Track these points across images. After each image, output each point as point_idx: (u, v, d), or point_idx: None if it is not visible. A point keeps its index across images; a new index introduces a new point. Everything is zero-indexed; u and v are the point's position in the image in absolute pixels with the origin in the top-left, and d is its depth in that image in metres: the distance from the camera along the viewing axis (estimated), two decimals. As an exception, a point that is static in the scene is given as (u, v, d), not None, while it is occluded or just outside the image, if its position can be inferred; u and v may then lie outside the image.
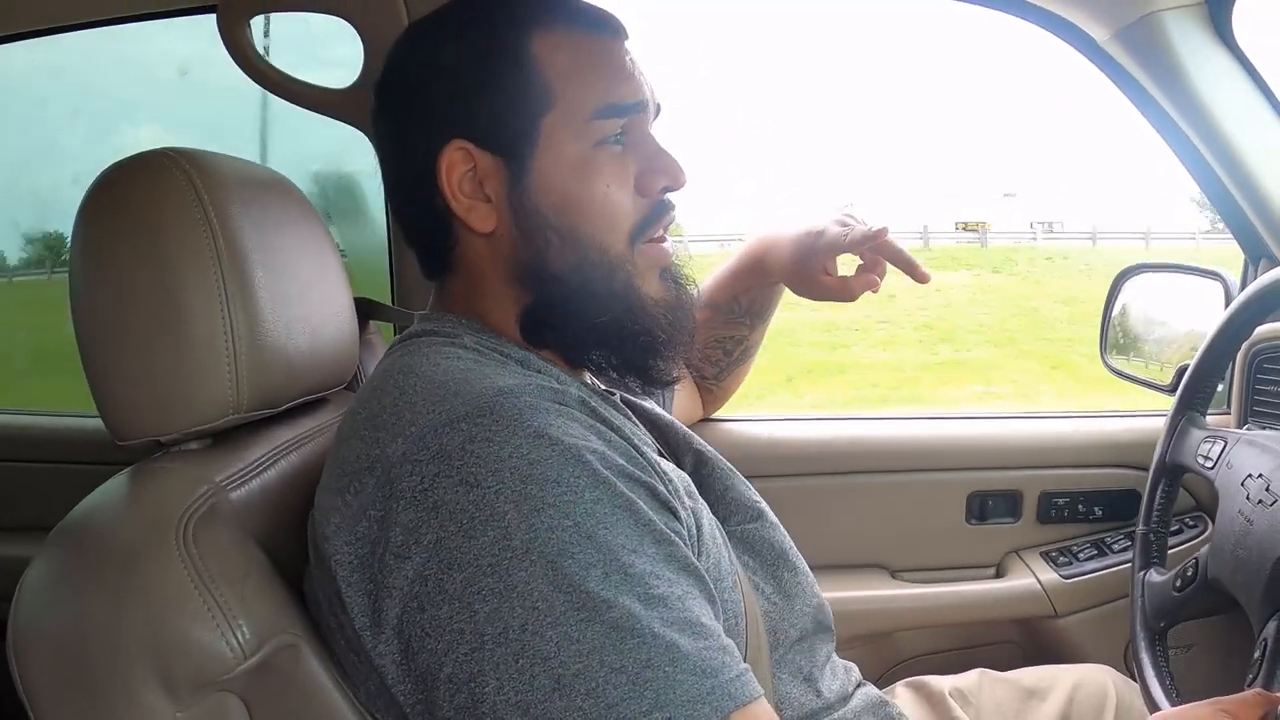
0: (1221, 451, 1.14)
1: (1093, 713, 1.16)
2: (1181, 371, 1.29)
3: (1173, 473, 1.23)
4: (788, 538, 1.00)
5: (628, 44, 0.88)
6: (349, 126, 1.39)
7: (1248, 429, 1.43)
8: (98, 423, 0.79)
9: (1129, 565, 1.27)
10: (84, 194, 0.79)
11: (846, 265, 1.23)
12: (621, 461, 0.72)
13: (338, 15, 1.33)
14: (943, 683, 1.20)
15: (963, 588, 1.54)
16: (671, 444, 1.03)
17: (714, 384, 1.42)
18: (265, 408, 0.84)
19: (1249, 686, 0.93)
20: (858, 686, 1.01)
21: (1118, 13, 1.34)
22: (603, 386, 0.96)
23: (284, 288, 0.85)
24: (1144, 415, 1.62)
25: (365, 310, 1.19)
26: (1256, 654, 0.95)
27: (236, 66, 1.35)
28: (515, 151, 0.82)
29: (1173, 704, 1.10)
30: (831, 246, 1.20)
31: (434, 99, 0.84)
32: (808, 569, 1.00)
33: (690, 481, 0.90)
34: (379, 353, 1.21)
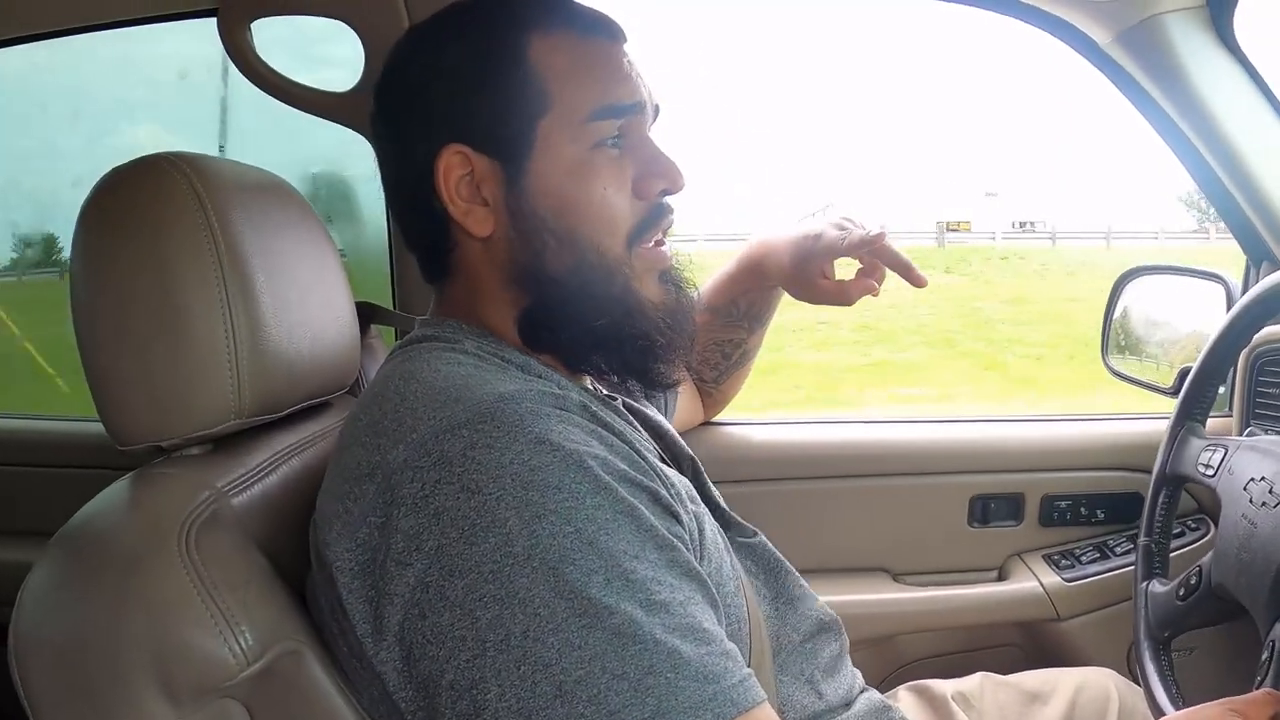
0: (1222, 459, 1.14)
1: (1095, 716, 1.16)
2: (1183, 374, 1.29)
3: (1173, 483, 1.23)
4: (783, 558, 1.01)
5: (626, 47, 0.88)
6: (341, 129, 1.39)
7: (1249, 433, 1.43)
8: (99, 427, 0.79)
9: (1131, 568, 1.27)
10: (84, 198, 0.79)
11: (847, 270, 1.23)
12: (623, 466, 0.72)
13: (339, 19, 1.33)
14: (945, 686, 1.19)
15: (965, 591, 1.54)
16: (673, 450, 1.03)
17: (713, 387, 1.42)
18: (267, 413, 0.84)
19: (1258, 687, 0.92)
20: (861, 691, 1.01)
21: (1119, 15, 1.34)
22: (604, 391, 0.96)
23: (285, 292, 0.85)
24: (1146, 418, 1.62)
25: (366, 314, 1.18)
26: (1265, 655, 0.95)
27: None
28: (512, 154, 0.82)
29: (1178, 710, 1.09)
30: (829, 250, 1.20)
31: (432, 102, 0.84)
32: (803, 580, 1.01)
33: (692, 487, 0.90)
34: (380, 357, 1.21)
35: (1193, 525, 1.53)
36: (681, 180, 0.87)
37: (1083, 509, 1.57)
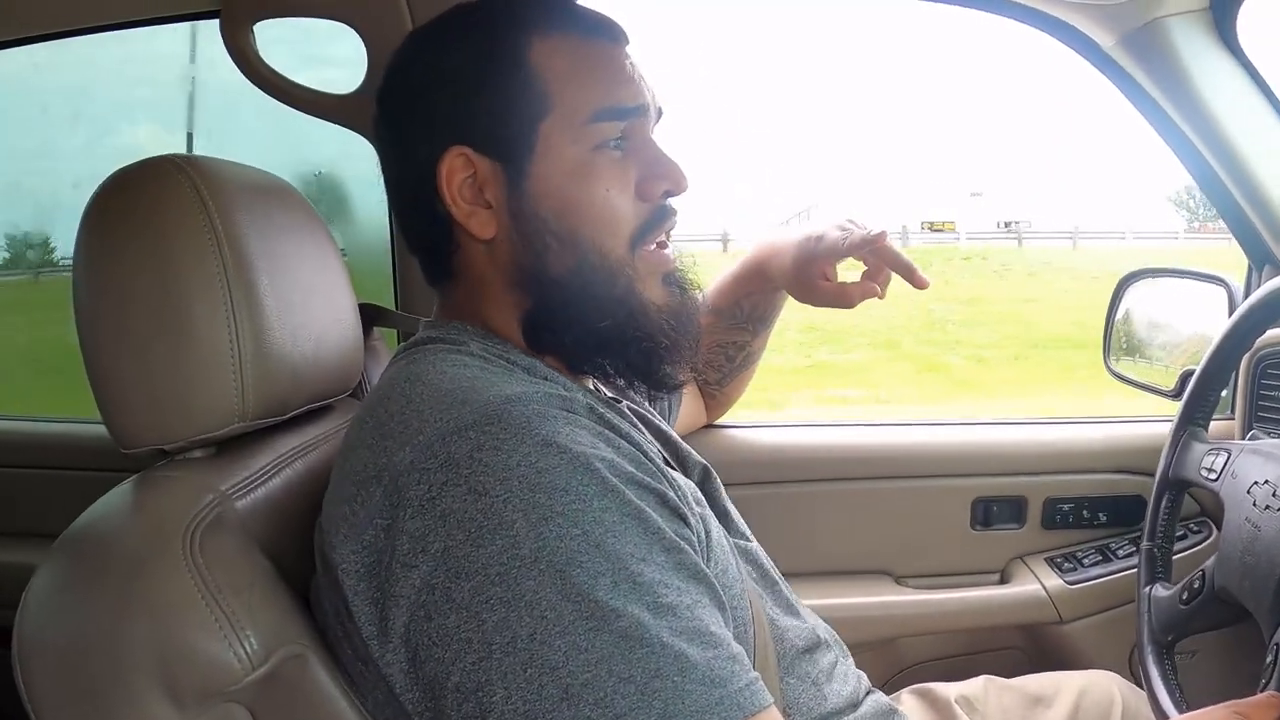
0: (1225, 463, 1.14)
1: (1099, 719, 1.16)
2: (1185, 377, 1.29)
3: (1176, 487, 1.23)
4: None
5: (628, 49, 0.88)
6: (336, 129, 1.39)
7: (1251, 436, 1.43)
8: (101, 429, 0.79)
9: (1134, 571, 1.27)
10: (87, 200, 0.79)
11: (851, 273, 1.22)
12: (630, 469, 0.72)
13: (342, 21, 1.32)
14: (948, 689, 1.19)
15: (968, 594, 1.53)
16: (679, 454, 1.03)
17: (716, 389, 1.42)
18: (270, 415, 0.84)
19: (1262, 690, 0.92)
20: (867, 694, 1.01)
21: (1122, 19, 1.34)
22: (608, 394, 0.95)
23: (288, 294, 0.84)
24: (1148, 421, 1.62)
25: (370, 316, 1.18)
26: (1269, 658, 0.95)
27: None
28: (514, 156, 0.82)
29: (1181, 714, 1.09)
30: (830, 251, 1.20)
31: (434, 104, 0.84)
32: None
33: (698, 490, 0.90)
34: (383, 359, 1.21)
35: (1195, 529, 1.53)
36: (685, 181, 0.87)
37: (1085, 512, 1.57)
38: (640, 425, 0.94)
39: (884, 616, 1.51)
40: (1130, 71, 1.41)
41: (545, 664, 0.63)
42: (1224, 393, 1.31)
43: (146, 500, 0.76)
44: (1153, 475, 1.26)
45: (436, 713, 0.67)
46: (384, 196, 0.92)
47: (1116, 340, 1.63)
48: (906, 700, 1.19)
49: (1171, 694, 1.13)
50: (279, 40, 1.37)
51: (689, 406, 1.37)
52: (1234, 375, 1.48)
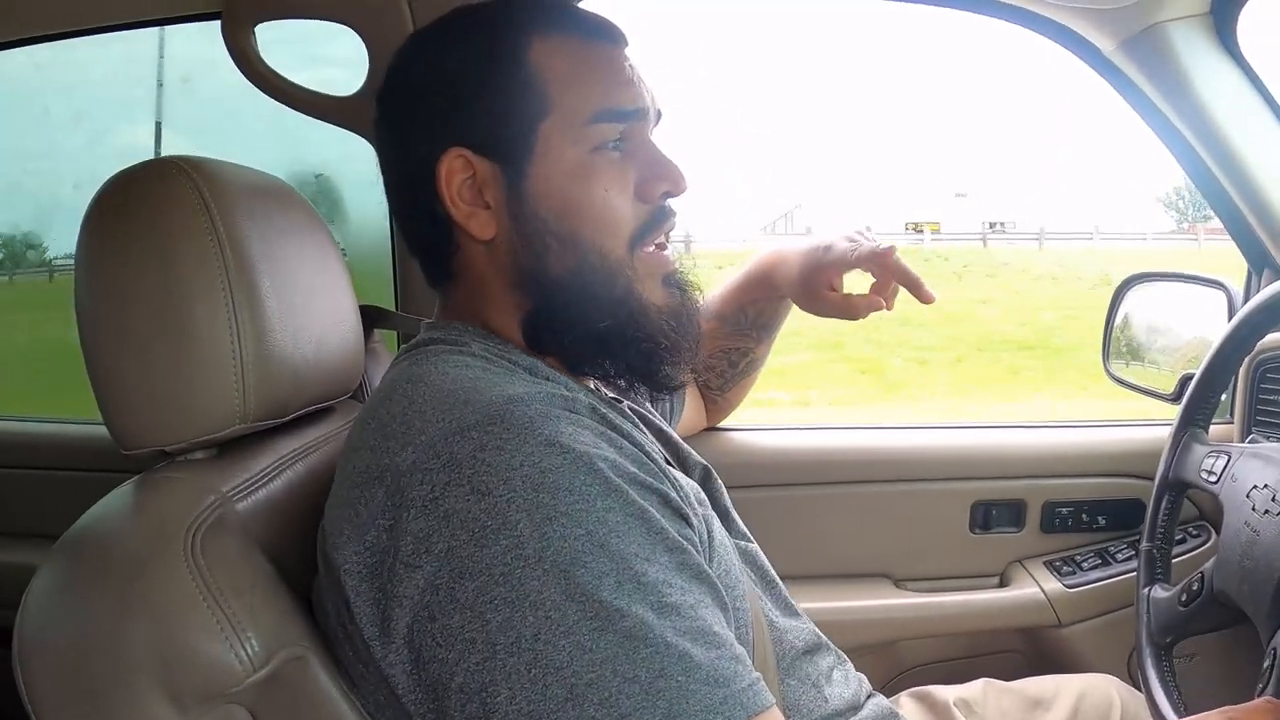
0: (1225, 466, 1.14)
1: (1098, 723, 1.16)
2: (1184, 381, 1.29)
3: (1176, 489, 1.23)
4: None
5: (628, 52, 0.88)
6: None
7: (1251, 440, 1.43)
8: (102, 430, 0.79)
9: (1133, 574, 1.27)
10: (89, 202, 0.79)
11: (859, 285, 1.22)
12: (633, 469, 0.72)
13: (344, 23, 1.33)
14: (947, 693, 1.19)
15: (966, 597, 1.54)
16: (680, 455, 1.03)
17: (718, 394, 1.42)
18: (271, 417, 0.84)
19: (1259, 695, 0.92)
20: (869, 697, 1.01)
21: (1123, 23, 1.34)
22: (610, 394, 0.96)
23: (290, 296, 0.84)
24: (1147, 425, 1.62)
25: (370, 318, 1.18)
26: (1266, 663, 0.95)
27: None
28: (513, 158, 0.82)
29: (1180, 717, 1.10)
30: (838, 262, 1.20)
31: (434, 106, 0.84)
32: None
33: (700, 490, 0.90)
34: (383, 361, 1.21)
35: (1194, 532, 1.53)
36: (684, 183, 0.87)
37: (1084, 515, 1.57)
38: (641, 425, 0.94)
39: (883, 619, 1.51)
40: (1131, 76, 1.41)
41: (550, 664, 0.63)
42: (1223, 396, 1.30)
43: (147, 501, 0.76)
44: (1151, 479, 1.26)
45: (439, 714, 0.67)
46: (384, 198, 0.92)
47: (1116, 344, 1.63)
48: (905, 703, 1.19)
49: (1170, 697, 1.13)
50: (279, 40, 1.37)
51: (689, 409, 1.37)
52: (1233, 380, 1.48)
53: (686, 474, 0.98)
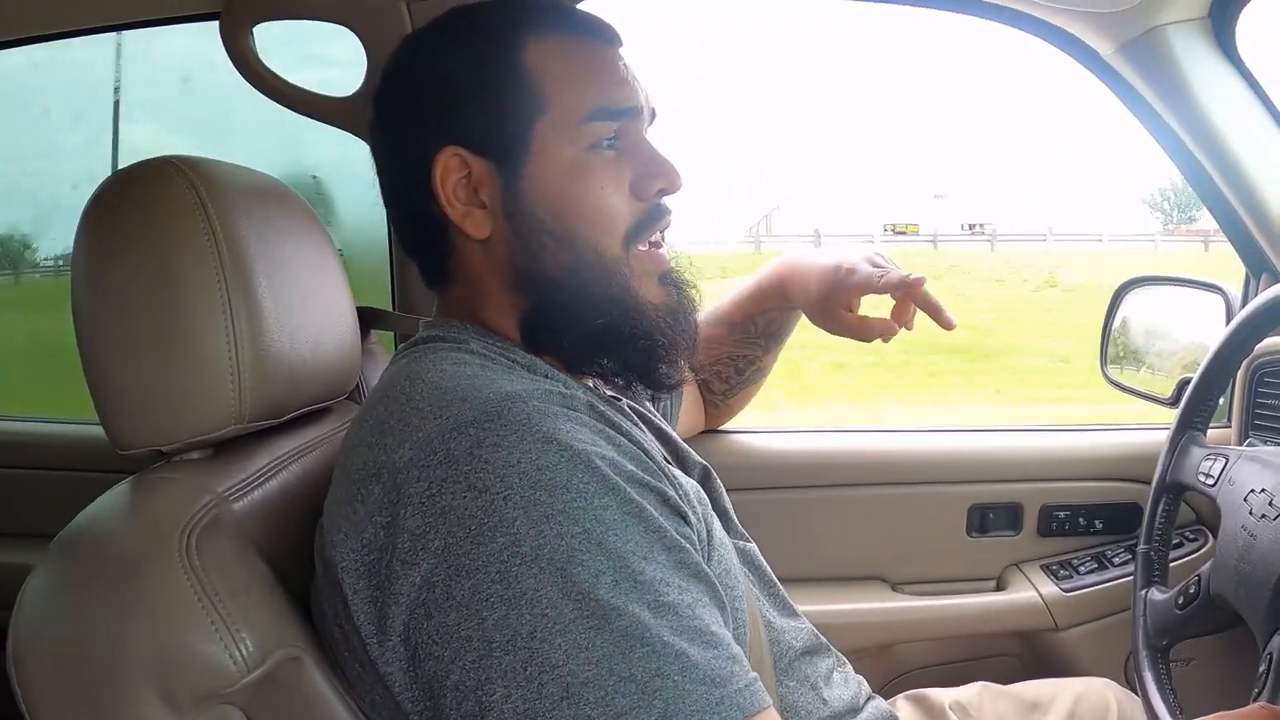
0: (1223, 469, 1.14)
1: (1094, 727, 1.16)
2: (1182, 385, 1.29)
3: (1174, 491, 1.23)
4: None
5: (622, 51, 0.89)
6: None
7: (1249, 444, 1.43)
8: (98, 430, 0.79)
9: (1130, 579, 1.27)
10: (86, 202, 0.79)
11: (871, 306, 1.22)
12: (631, 467, 0.72)
13: (343, 24, 1.32)
14: (943, 696, 1.19)
15: (963, 600, 1.54)
16: (680, 454, 1.03)
17: (720, 399, 1.42)
18: (268, 418, 0.84)
19: (1254, 700, 0.92)
20: (868, 699, 1.01)
21: (1122, 27, 1.34)
22: (609, 393, 0.96)
23: (287, 297, 0.84)
24: (1145, 429, 1.62)
25: (367, 319, 1.18)
26: (1262, 668, 0.95)
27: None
28: (508, 156, 0.82)
29: None
30: (862, 286, 1.19)
31: (429, 106, 0.84)
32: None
33: (700, 489, 0.90)
34: (380, 362, 1.21)
35: (1191, 536, 1.53)
36: (679, 181, 0.87)
37: (1081, 519, 1.57)
38: (641, 424, 0.94)
39: (879, 623, 1.51)
40: (1129, 79, 1.41)
41: (546, 662, 0.63)
42: (1221, 400, 1.31)
43: (143, 501, 0.76)
44: (1149, 483, 1.26)
45: (435, 712, 0.67)
46: (380, 199, 0.92)
47: (1114, 348, 1.63)
48: (902, 706, 1.18)
49: (1166, 701, 1.13)
50: (278, 40, 1.37)
51: (689, 410, 1.37)
52: (1231, 383, 1.48)
53: (686, 473, 0.98)
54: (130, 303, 0.76)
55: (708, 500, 0.90)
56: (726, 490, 1.04)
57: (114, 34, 1.57)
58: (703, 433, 1.49)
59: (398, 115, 0.86)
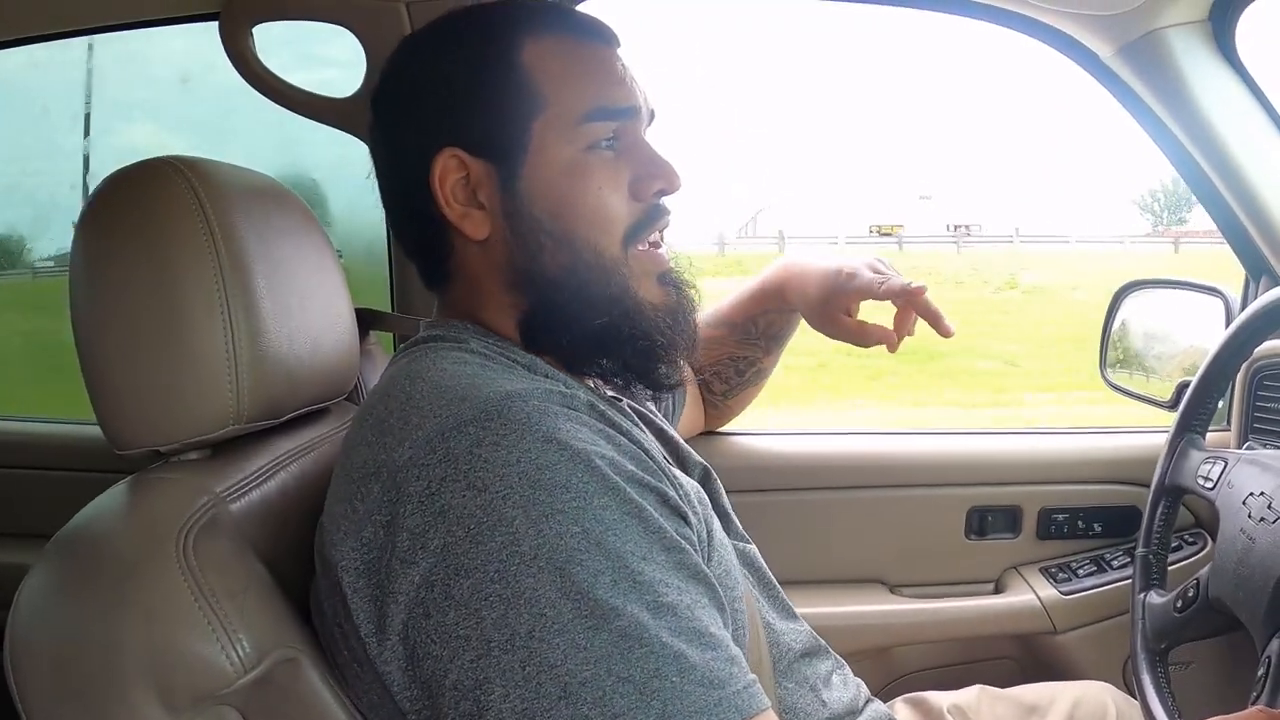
0: (1222, 472, 1.14)
1: (1093, 730, 1.16)
2: (1182, 388, 1.29)
3: (1173, 494, 1.23)
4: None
5: (620, 52, 0.89)
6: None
7: (1248, 447, 1.43)
8: (96, 430, 0.79)
9: (1128, 582, 1.27)
10: (84, 202, 0.79)
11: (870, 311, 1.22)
12: (631, 467, 0.71)
13: (342, 25, 1.32)
14: (942, 699, 1.19)
15: (961, 603, 1.53)
16: (680, 454, 1.03)
17: (720, 400, 1.42)
18: (266, 418, 0.84)
19: (1253, 703, 0.92)
20: (867, 702, 1.01)
21: (1121, 29, 1.34)
22: (609, 392, 0.96)
23: (285, 297, 0.84)
24: (1144, 431, 1.62)
25: (366, 320, 1.18)
26: (1260, 671, 0.95)
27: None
28: (507, 157, 0.82)
29: None
30: (863, 291, 1.19)
31: (427, 107, 0.84)
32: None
33: (701, 490, 0.90)
34: (379, 363, 1.21)
35: (1190, 539, 1.53)
36: (678, 181, 0.87)
37: (1080, 522, 1.57)
38: (641, 424, 0.94)
39: (878, 625, 1.51)
40: (1128, 82, 1.41)
41: (544, 662, 0.62)
42: (1220, 403, 1.31)
43: (140, 502, 0.76)
44: (1148, 486, 1.26)
45: (433, 711, 0.67)
46: (380, 201, 0.92)
47: (1113, 352, 1.63)
48: (900, 709, 1.18)
49: (1165, 704, 1.13)
50: (278, 40, 1.37)
51: (689, 411, 1.37)
52: (1230, 386, 1.48)
53: (686, 473, 0.98)
54: (128, 303, 0.76)
55: (708, 501, 0.90)
56: (726, 492, 1.04)
57: (84, 39, 1.57)
58: (703, 434, 1.49)
59: (397, 116, 0.86)
